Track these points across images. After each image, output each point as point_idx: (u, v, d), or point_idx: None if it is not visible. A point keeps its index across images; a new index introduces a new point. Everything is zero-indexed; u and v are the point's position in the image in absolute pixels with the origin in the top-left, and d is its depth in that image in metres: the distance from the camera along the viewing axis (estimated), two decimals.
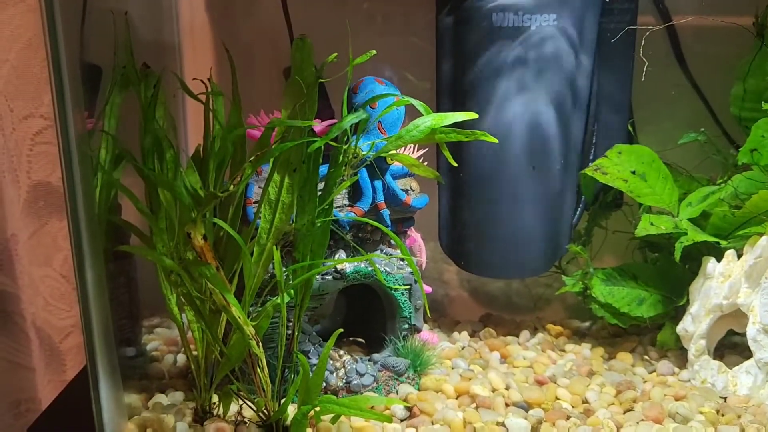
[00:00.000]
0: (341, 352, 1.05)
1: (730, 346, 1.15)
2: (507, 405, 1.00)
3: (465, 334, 1.26)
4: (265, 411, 0.91)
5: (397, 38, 1.29)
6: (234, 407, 0.95)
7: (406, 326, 1.04)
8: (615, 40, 1.14)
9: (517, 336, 1.25)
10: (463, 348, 1.21)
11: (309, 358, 0.98)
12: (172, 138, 0.92)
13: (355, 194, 1.00)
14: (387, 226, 1.00)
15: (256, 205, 0.93)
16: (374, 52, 0.85)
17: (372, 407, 0.95)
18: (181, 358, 1.13)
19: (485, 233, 1.18)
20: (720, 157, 1.18)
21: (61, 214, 1.19)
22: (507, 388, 1.05)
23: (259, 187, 0.96)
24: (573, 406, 1.01)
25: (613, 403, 1.02)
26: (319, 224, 0.89)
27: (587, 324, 1.31)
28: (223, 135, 0.91)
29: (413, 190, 1.05)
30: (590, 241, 1.25)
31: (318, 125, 0.99)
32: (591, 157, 1.21)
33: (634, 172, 1.13)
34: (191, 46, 1.30)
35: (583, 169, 1.17)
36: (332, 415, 0.88)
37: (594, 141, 1.21)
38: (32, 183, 1.16)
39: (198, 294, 0.87)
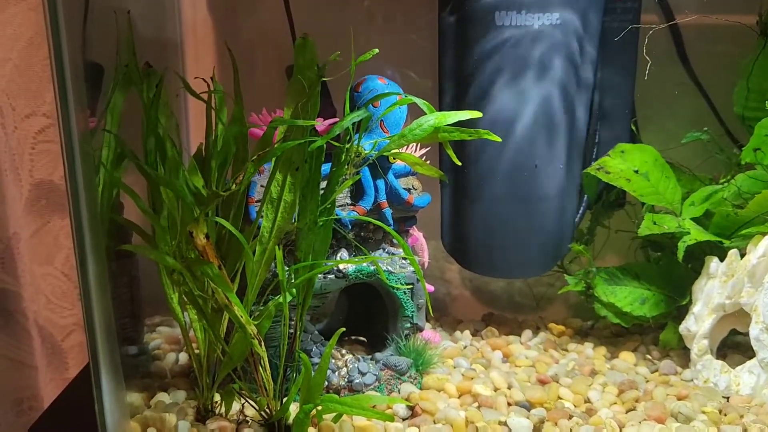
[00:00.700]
0: (343, 351, 1.04)
1: (733, 346, 1.15)
2: (509, 404, 1.00)
3: (467, 333, 1.26)
4: (267, 410, 0.91)
5: (399, 36, 1.29)
6: (236, 406, 0.95)
7: (408, 325, 1.04)
8: (618, 39, 1.14)
9: (520, 335, 1.25)
10: (465, 347, 1.21)
11: (311, 358, 0.98)
12: (174, 137, 0.92)
13: (358, 193, 1.00)
14: (389, 225, 1.00)
15: (259, 204, 0.93)
16: (377, 50, 0.84)
17: (374, 406, 0.95)
18: (183, 357, 1.13)
19: (487, 232, 1.17)
20: (723, 157, 1.17)
21: (63, 212, 1.20)
22: (509, 388, 1.05)
23: (261, 186, 0.95)
24: (575, 406, 1.01)
25: (615, 403, 1.02)
26: (321, 223, 0.89)
27: (589, 323, 1.30)
28: (226, 133, 0.91)
29: (415, 189, 1.05)
30: (593, 240, 1.25)
31: (320, 124, 0.99)
32: (594, 156, 1.21)
33: (637, 171, 1.13)
34: (193, 45, 1.30)
35: (586, 168, 1.17)
36: (334, 414, 0.88)
37: (597, 140, 1.21)
38: (34, 181, 1.16)
39: (200, 293, 0.87)
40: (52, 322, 1.21)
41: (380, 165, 0.99)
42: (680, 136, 1.18)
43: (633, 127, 1.21)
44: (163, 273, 0.92)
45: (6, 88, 1.10)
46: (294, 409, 0.90)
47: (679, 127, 1.20)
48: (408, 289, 1.02)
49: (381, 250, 1.04)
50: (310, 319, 1.01)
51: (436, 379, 1.05)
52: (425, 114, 0.87)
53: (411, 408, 0.98)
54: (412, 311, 1.04)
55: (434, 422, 0.95)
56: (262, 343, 0.87)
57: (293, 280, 0.89)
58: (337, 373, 1.00)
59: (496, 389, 1.04)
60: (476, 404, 1.00)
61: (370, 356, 1.04)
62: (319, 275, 0.95)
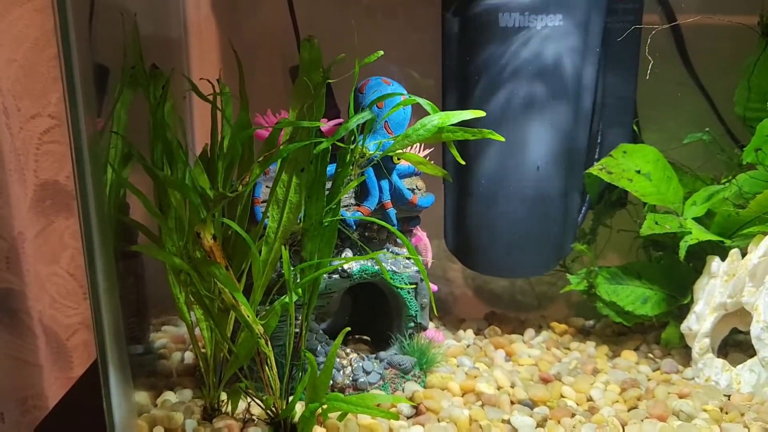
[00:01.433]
0: (348, 350, 1.05)
1: (734, 345, 1.16)
2: (512, 403, 1.00)
3: (470, 332, 1.26)
4: (273, 409, 0.92)
5: (402, 35, 1.29)
6: (242, 405, 0.95)
7: (412, 324, 1.05)
8: (620, 40, 1.14)
9: (522, 334, 1.26)
10: (468, 346, 1.21)
11: (316, 357, 0.99)
12: (181, 138, 0.92)
13: (362, 193, 1.01)
14: (393, 225, 1.00)
15: (264, 204, 0.93)
16: (381, 52, 0.85)
17: (378, 405, 0.95)
18: (188, 356, 1.13)
19: (490, 232, 1.18)
20: (724, 157, 1.18)
21: (68, 212, 1.20)
22: (512, 386, 1.05)
23: (267, 187, 0.96)
24: (578, 404, 1.02)
25: (617, 401, 1.03)
26: (326, 224, 0.89)
27: (592, 322, 1.31)
28: (233, 135, 0.91)
29: (419, 189, 1.05)
30: (595, 239, 1.26)
31: (325, 125, 0.99)
32: (596, 156, 1.21)
33: (639, 172, 1.14)
34: (198, 45, 1.30)
35: (588, 168, 1.17)
36: (339, 412, 0.89)
37: (599, 140, 1.21)
38: (39, 182, 1.16)
39: (207, 293, 0.88)
40: (56, 321, 1.22)
41: (384, 165, 0.99)
42: (682, 137, 1.18)
43: (635, 128, 1.22)
44: (170, 273, 0.93)
45: (11, 89, 1.10)
46: (300, 407, 0.90)
47: (680, 127, 1.21)
48: (412, 288, 1.03)
49: (385, 250, 1.04)
50: (315, 319, 1.01)
51: (439, 377, 1.06)
52: (429, 114, 0.88)
53: (415, 406, 0.98)
54: (416, 310, 1.04)
55: (438, 421, 0.96)
56: (269, 343, 0.87)
57: (299, 280, 0.90)
58: (341, 372, 1.01)
59: (499, 388, 1.05)
60: (480, 403, 1.01)
61: (374, 355, 1.05)
62: (324, 275, 0.96)
